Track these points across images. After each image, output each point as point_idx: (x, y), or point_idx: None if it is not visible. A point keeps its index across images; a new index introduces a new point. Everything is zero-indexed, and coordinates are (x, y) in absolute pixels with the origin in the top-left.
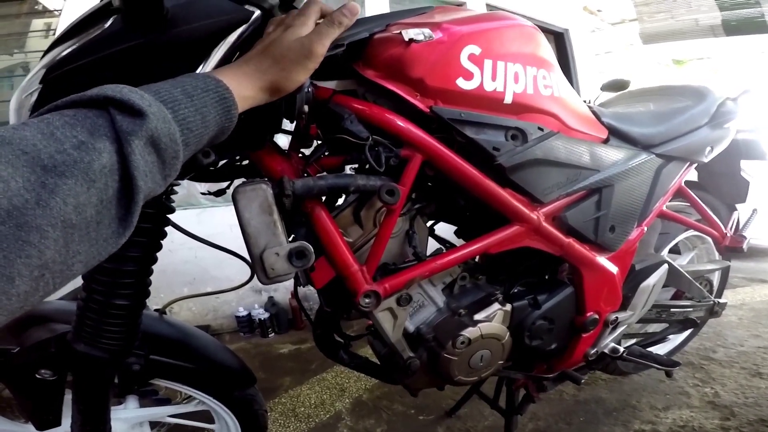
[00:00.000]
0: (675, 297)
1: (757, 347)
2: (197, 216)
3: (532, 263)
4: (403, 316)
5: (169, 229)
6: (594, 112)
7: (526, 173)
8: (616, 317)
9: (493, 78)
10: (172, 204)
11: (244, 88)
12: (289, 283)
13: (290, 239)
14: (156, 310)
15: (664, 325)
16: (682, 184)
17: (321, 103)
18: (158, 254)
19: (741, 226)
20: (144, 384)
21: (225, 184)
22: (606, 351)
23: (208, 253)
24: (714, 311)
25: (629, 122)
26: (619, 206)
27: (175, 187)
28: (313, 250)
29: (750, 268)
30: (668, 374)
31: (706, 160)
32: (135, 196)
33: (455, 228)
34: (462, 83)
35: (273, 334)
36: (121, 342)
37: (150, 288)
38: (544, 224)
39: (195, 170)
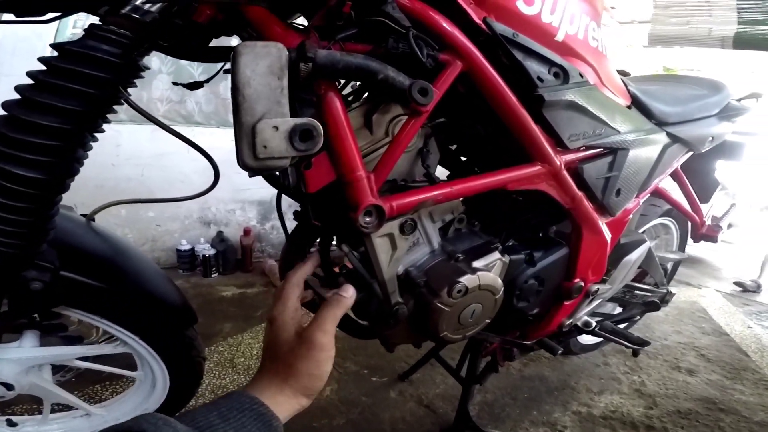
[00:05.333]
0: (635, 281)
1: (678, 342)
2: (151, 133)
3: (528, 217)
4: (402, 247)
5: (116, 140)
6: (621, 80)
7: (559, 114)
8: (597, 288)
9: (552, 11)
10: (133, 84)
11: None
12: (242, 219)
13: None
14: (83, 215)
15: (613, 308)
16: (679, 168)
17: None
18: (98, 168)
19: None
20: (47, 313)
21: (201, 78)
22: (578, 323)
23: (156, 172)
24: (665, 300)
25: (651, 97)
26: (628, 172)
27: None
28: (322, 132)
29: (678, 271)
30: (635, 353)
31: (702, 149)
32: None
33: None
34: (521, 5)
35: (217, 274)
36: (18, 242)
37: (81, 196)
38: (564, 171)
39: (182, 28)
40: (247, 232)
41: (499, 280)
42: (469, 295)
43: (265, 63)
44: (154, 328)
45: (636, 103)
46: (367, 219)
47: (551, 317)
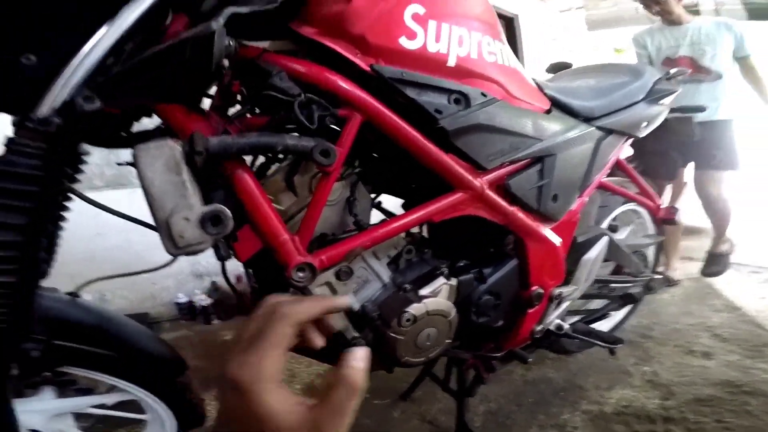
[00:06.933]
0: (614, 273)
1: (689, 325)
2: (128, 196)
3: (478, 236)
4: (343, 291)
5: (94, 210)
6: (537, 84)
7: (469, 138)
8: (560, 292)
9: (437, 39)
10: (77, 176)
11: None
12: (233, 267)
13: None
14: (68, 293)
15: (604, 302)
16: (620, 157)
17: (248, 61)
18: (85, 240)
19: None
20: (50, 372)
21: None
22: (551, 328)
23: (141, 237)
24: (650, 287)
25: (571, 95)
26: (561, 175)
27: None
28: (230, 215)
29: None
30: (611, 352)
31: (641, 134)
32: None
33: (402, 201)
34: (405, 42)
35: (217, 321)
36: (6, 326)
37: (71, 270)
38: (488, 192)
39: (85, 127)
40: (239, 279)
41: (449, 303)
42: (419, 322)
43: (161, 162)
44: (148, 378)
45: (556, 105)
46: (300, 275)
47: (520, 326)
